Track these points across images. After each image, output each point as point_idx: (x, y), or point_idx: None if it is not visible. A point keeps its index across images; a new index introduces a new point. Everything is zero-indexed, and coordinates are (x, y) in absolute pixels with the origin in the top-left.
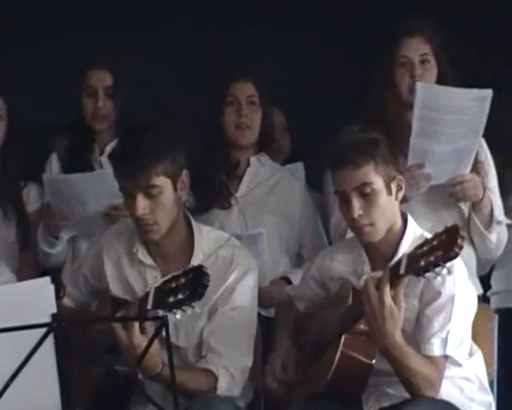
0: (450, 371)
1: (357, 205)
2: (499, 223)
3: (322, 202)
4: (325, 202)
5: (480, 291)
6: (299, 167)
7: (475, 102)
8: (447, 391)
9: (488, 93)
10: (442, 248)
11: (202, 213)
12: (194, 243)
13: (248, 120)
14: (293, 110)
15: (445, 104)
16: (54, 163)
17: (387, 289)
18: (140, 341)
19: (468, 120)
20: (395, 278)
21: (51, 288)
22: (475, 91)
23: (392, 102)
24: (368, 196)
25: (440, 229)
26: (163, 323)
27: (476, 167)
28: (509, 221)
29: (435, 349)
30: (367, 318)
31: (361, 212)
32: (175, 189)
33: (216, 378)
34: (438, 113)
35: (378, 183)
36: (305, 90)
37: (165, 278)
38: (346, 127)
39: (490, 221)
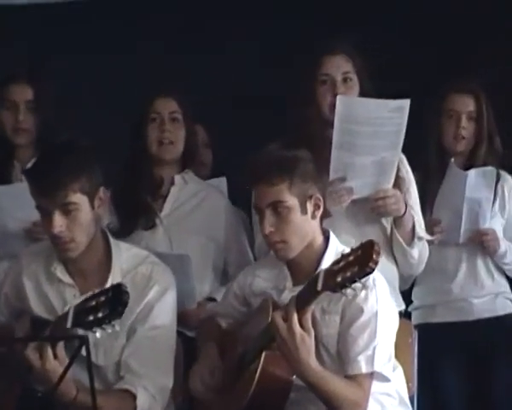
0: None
1: (268, 222)
2: (421, 239)
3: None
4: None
5: (403, 307)
6: (222, 182)
7: (394, 113)
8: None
9: (406, 103)
10: (358, 264)
11: (126, 235)
12: (112, 260)
13: (171, 136)
14: (215, 126)
15: (364, 116)
16: None
17: (295, 318)
18: (53, 365)
19: (388, 132)
20: (313, 295)
21: None
22: (394, 102)
23: (315, 119)
24: (280, 214)
25: None
26: (83, 342)
27: (398, 184)
28: (430, 237)
29: (362, 367)
30: (280, 349)
31: (272, 229)
32: (92, 206)
33: (135, 399)
34: (357, 125)
35: (292, 201)
36: (228, 106)
37: (85, 296)
38: (270, 144)
39: (411, 237)
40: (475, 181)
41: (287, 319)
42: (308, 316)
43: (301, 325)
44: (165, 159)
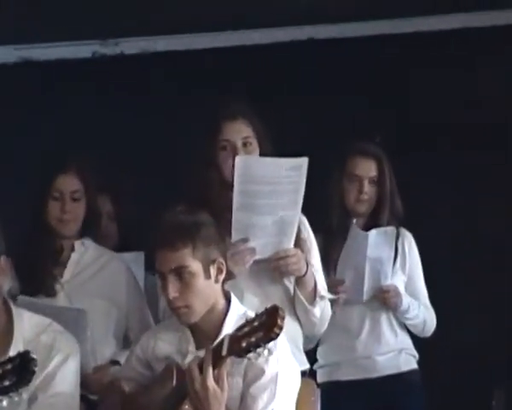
0: None
1: (172, 287)
2: (323, 298)
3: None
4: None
5: (307, 366)
6: (139, 256)
7: (291, 172)
8: None
9: (304, 161)
10: (262, 330)
11: None
12: (13, 329)
13: (72, 215)
14: (121, 197)
15: (263, 175)
16: None
17: (210, 372)
18: None
19: (286, 190)
20: (217, 360)
21: None
22: (291, 160)
23: (216, 183)
24: (184, 279)
25: (268, 304)
26: None
27: (299, 244)
28: (332, 296)
29: None
30: (192, 401)
31: (176, 294)
32: None
33: None
34: (256, 185)
35: (195, 266)
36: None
37: None
38: (172, 208)
39: (313, 296)
40: (376, 241)
41: (202, 373)
42: (223, 372)
43: (216, 381)
44: (64, 235)
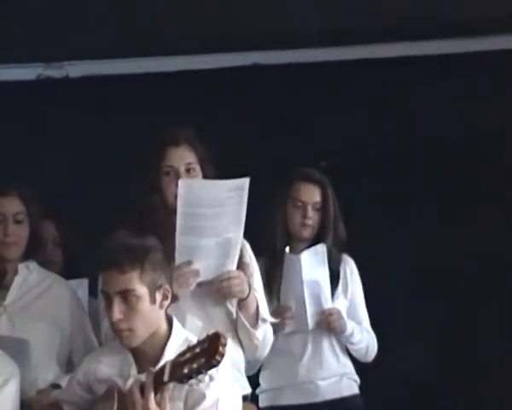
0: None
1: (117, 309)
2: (264, 321)
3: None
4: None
5: (249, 390)
6: (83, 283)
7: (234, 193)
8: None
9: (245, 181)
10: (204, 356)
11: None
12: None
13: (15, 238)
14: (66, 222)
15: (205, 198)
16: None
17: (152, 395)
18: None
19: (228, 211)
20: (159, 385)
21: None
22: (232, 182)
23: (160, 208)
24: (129, 302)
25: (211, 327)
26: None
27: (242, 268)
28: (273, 320)
29: None
30: None
31: (121, 316)
32: None
33: None
34: (199, 207)
35: (141, 291)
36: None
37: None
38: (117, 231)
39: (256, 319)
40: (309, 261)
41: (143, 396)
42: (165, 395)
43: (158, 404)
44: (7, 257)
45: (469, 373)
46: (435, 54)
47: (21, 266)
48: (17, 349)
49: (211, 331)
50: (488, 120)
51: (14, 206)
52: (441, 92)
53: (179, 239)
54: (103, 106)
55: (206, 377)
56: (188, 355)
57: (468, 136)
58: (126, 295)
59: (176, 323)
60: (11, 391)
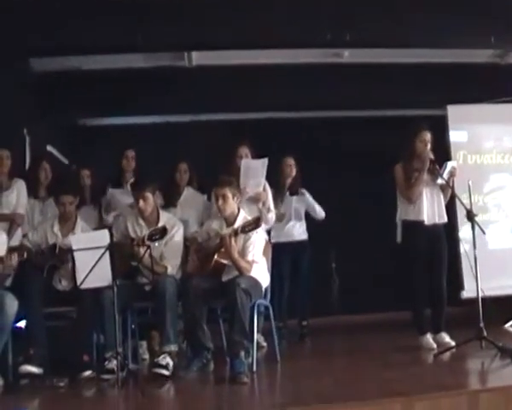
0: None
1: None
2: (271, 211)
3: None
4: None
5: (267, 237)
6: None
7: (261, 164)
8: None
9: (265, 160)
10: (253, 224)
11: None
12: None
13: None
14: None
15: (251, 165)
16: None
17: (232, 239)
18: None
19: (259, 171)
20: (236, 234)
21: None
22: (262, 160)
23: (235, 165)
24: (226, 200)
25: (254, 214)
26: None
27: (264, 190)
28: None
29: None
30: (224, 252)
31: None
32: None
33: None
34: (248, 169)
35: (229, 195)
36: None
37: None
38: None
39: (268, 210)
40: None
41: (230, 239)
42: (238, 238)
43: (234, 241)
44: None
45: None
46: None
47: None
48: None
49: (254, 216)
50: None
51: None
52: None
53: (242, 179)
54: None
55: (253, 232)
56: (246, 223)
57: None
58: (224, 198)
59: (241, 211)
60: None
